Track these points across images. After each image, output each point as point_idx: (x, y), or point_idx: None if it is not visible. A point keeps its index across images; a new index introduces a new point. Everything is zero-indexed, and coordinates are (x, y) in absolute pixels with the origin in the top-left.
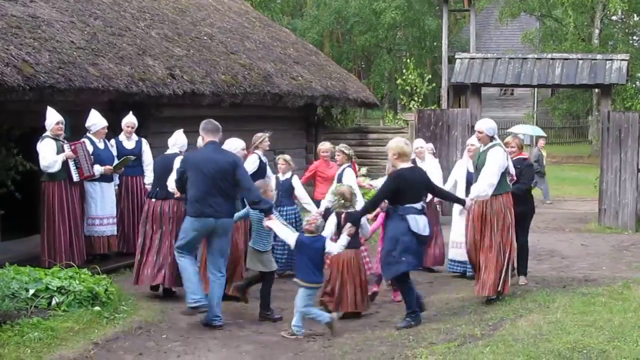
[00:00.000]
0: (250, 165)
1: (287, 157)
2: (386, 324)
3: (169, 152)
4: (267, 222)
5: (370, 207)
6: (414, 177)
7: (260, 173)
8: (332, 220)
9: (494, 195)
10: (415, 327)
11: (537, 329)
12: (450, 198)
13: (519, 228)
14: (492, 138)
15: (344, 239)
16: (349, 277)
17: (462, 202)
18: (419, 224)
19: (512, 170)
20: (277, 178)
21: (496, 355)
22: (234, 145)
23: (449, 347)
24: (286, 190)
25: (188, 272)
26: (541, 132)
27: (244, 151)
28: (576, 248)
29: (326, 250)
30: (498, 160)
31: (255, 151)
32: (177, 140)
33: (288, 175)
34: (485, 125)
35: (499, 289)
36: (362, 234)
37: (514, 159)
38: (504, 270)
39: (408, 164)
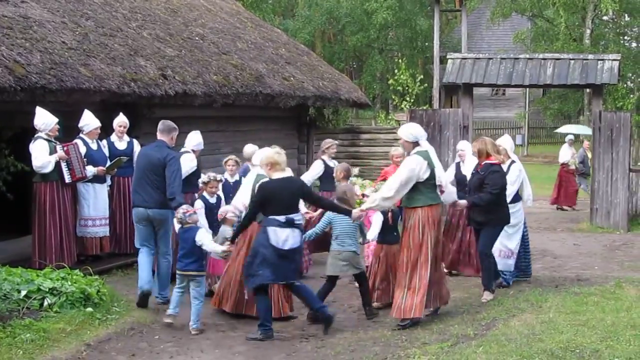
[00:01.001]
0: (315, 170)
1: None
2: (379, 324)
3: (182, 150)
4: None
5: (246, 222)
6: (281, 189)
7: (326, 177)
8: (379, 217)
9: (410, 208)
10: (264, 341)
11: (530, 328)
12: (334, 208)
13: (482, 239)
14: (415, 144)
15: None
16: (393, 271)
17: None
18: (279, 237)
19: (444, 181)
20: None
21: (489, 355)
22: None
23: (442, 347)
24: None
25: (141, 265)
26: (588, 131)
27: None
28: (568, 248)
29: (196, 239)
30: (404, 170)
31: (322, 156)
32: (190, 140)
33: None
34: (404, 131)
35: (407, 314)
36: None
37: (483, 164)
38: (417, 293)
39: (282, 174)
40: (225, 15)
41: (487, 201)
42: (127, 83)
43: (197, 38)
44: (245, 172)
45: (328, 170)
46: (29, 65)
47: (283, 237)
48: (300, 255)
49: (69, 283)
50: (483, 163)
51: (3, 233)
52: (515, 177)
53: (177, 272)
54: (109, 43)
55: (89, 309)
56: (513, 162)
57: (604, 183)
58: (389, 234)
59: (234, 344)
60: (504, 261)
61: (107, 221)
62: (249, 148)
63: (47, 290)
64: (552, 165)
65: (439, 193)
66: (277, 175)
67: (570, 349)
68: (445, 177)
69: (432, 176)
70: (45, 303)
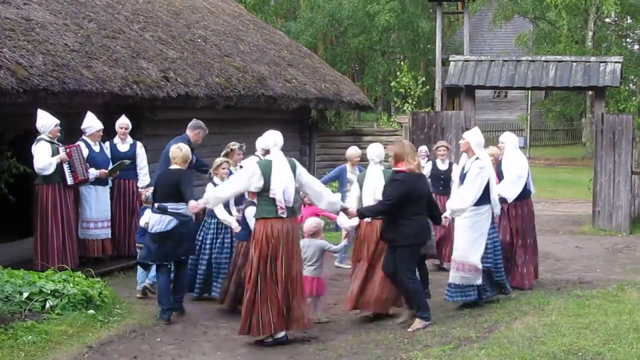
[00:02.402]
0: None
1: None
2: (381, 326)
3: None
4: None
5: None
6: (162, 179)
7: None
8: None
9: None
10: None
11: (532, 331)
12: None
13: (398, 264)
14: (267, 152)
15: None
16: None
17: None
18: (150, 221)
19: (279, 195)
20: None
21: (491, 358)
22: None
23: (444, 349)
24: None
25: None
26: None
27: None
28: (570, 250)
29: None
30: (236, 175)
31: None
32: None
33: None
34: (260, 138)
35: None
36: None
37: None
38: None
39: (176, 167)
40: (228, 18)
41: (376, 212)
42: (129, 85)
43: (199, 40)
44: (341, 172)
45: (435, 172)
46: (31, 67)
47: (152, 222)
48: (173, 240)
49: (71, 285)
50: (393, 169)
51: (5, 235)
52: (474, 176)
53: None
54: (111, 45)
55: (91, 311)
56: (477, 159)
57: (606, 185)
58: None
59: (236, 346)
60: (462, 275)
61: (109, 223)
62: (352, 150)
63: (49, 292)
64: (554, 167)
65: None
66: (173, 167)
67: (573, 351)
68: (288, 192)
69: (267, 188)
70: (47, 305)
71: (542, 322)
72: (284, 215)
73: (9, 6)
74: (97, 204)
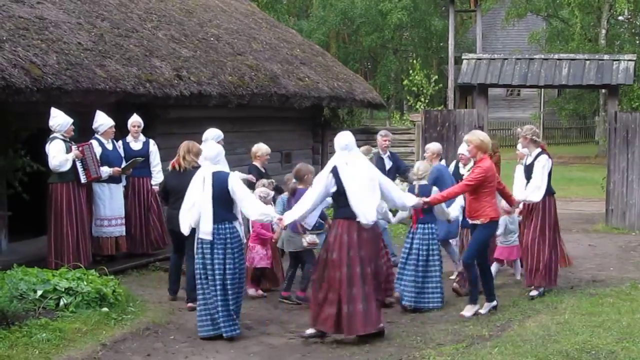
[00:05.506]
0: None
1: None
2: (394, 325)
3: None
4: None
5: None
6: None
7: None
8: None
9: None
10: None
11: (545, 329)
12: None
13: None
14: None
15: None
16: None
17: None
18: None
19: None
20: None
21: (504, 356)
22: None
23: (457, 348)
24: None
25: None
26: None
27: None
28: (583, 249)
29: None
30: None
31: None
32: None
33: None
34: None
35: None
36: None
37: None
38: None
39: None
40: (240, 16)
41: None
42: (142, 84)
43: (212, 39)
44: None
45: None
46: (45, 66)
47: None
48: None
49: (85, 283)
50: None
51: (19, 233)
52: None
53: None
54: (125, 44)
55: (105, 309)
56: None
57: (619, 184)
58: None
59: (249, 344)
60: None
61: (123, 221)
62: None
63: (63, 290)
64: (567, 166)
65: None
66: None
67: (586, 350)
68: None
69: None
70: (61, 303)
71: (556, 321)
72: None
73: (22, 5)
74: (111, 201)
